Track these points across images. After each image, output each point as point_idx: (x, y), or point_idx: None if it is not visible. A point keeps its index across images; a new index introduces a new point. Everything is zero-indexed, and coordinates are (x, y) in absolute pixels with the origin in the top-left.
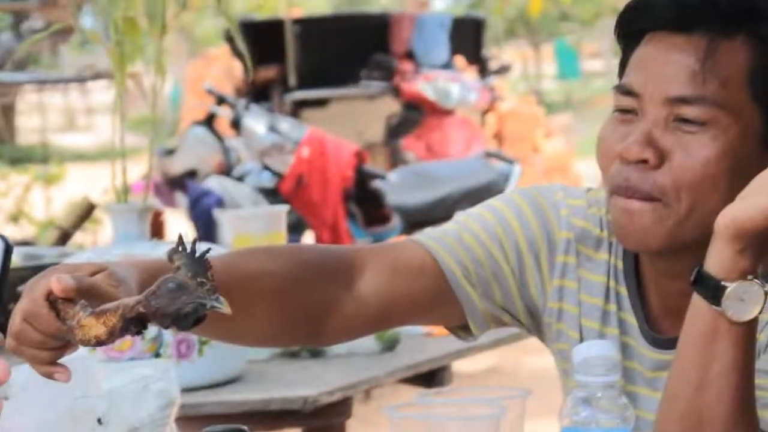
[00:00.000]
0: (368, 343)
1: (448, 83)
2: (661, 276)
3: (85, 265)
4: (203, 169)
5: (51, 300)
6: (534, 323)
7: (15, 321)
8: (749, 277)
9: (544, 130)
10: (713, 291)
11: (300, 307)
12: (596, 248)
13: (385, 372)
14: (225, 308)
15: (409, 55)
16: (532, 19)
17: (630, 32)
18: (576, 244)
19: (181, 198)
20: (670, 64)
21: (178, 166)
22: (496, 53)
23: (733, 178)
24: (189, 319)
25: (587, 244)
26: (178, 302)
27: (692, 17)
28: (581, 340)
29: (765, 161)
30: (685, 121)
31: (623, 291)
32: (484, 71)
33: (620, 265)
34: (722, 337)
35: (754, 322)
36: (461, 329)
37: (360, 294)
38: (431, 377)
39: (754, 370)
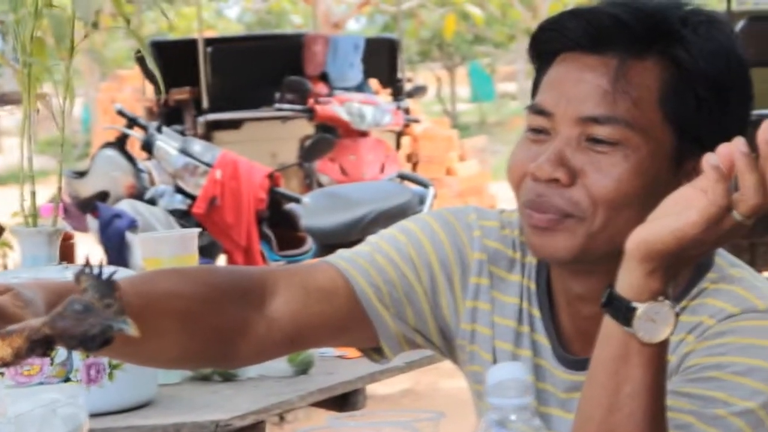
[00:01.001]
0: (281, 366)
1: (362, 105)
2: (573, 299)
3: None
4: (114, 191)
5: None
6: (447, 345)
7: None
8: (660, 298)
9: (459, 153)
10: (624, 312)
11: (211, 328)
12: (509, 270)
13: (298, 395)
14: (132, 330)
15: (323, 77)
16: (447, 41)
17: (543, 53)
18: (489, 266)
19: (91, 221)
20: (582, 84)
21: (88, 188)
22: (411, 75)
23: (645, 197)
24: (96, 341)
25: (500, 265)
26: (85, 324)
27: (604, 38)
28: (494, 361)
29: (675, 181)
30: (597, 140)
31: (536, 313)
32: (398, 93)
33: (533, 287)
34: (633, 359)
35: (665, 343)
36: (374, 351)
37: (272, 316)
38: (345, 400)
39: (665, 391)
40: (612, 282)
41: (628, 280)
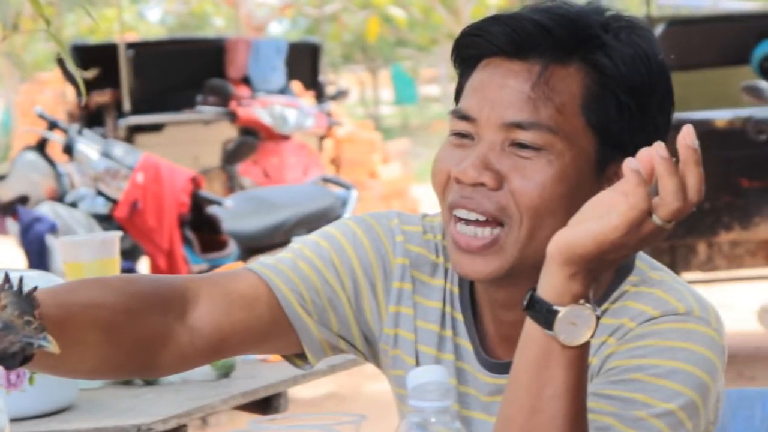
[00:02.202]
0: (203, 369)
1: (284, 109)
2: (496, 305)
3: None
4: (35, 195)
5: None
6: (370, 350)
7: None
8: (581, 301)
9: (382, 156)
10: (545, 315)
11: (133, 339)
12: (432, 274)
13: (220, 399)
14: (52, 347)
15: (246, 81)
16: (369, 44)
17: (466, 58)
18: (411, 271)
19: (12, 225)
20: (505, 89)
21: (8, 192)
22: (333, 78)
23: (569, 203)
24: (16, 359)
25: (423, 270)
26: (5, 341)
27: (527, 44)
28: (418, 365)
29: (598, 187)
30: (521, 145)
31: (459, 317)
32: (321, 96)
33: (456, 291)
34: (555, 362)
35: (586, 346)
36: (297, 357)
37: (194, 324)
38: (267, 404)
39: (586, 394)
40: (533, 286)
41: (549, 284)
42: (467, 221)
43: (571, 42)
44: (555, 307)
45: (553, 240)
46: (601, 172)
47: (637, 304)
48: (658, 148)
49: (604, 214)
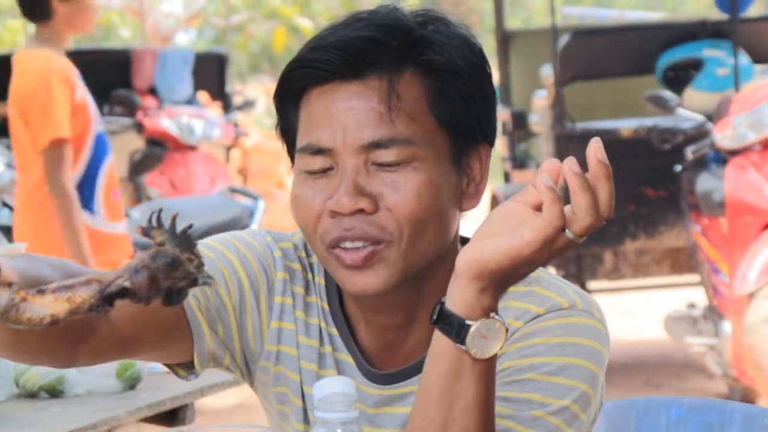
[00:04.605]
0: (109, 381)
1: (191, 119)
2: (371, 315)
3: None
4: None
5: None
6: (247, 367)
7: None
8: (491, 314)
9: (289, 166)
10: (457, 329)
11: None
12: (306, 291)
13: (126, 411)
14: (213, 282)
15: (152, 91)
16: (276, 54)
17: (292, 91)
18: (291, 286)
19: None
20: (352, 111)
21: None
22: (240, 89)
23: (442, 204)
24: (181, 295)
25: (300, 285)
26: (172, 278)
27: (362, 62)
28: (301, 382)
29: (458, 180)
30: (385, 164)
31: (334, 332)
32: (228, 107)
33: (326, 306)
34: (466, 374)
35: (495, 357)
36: (181, 367)
37: (114, 318)
38: (174, 416)
39: (494, 402)
40: (405, 294)
41: (460, 298)
42: (347, 249)
43: (401, 49)
44: (467, 322)
45: (462, 255)
46: (458, 166)
47: (518, 303)
48: (570, 163)
49: (514, 229)
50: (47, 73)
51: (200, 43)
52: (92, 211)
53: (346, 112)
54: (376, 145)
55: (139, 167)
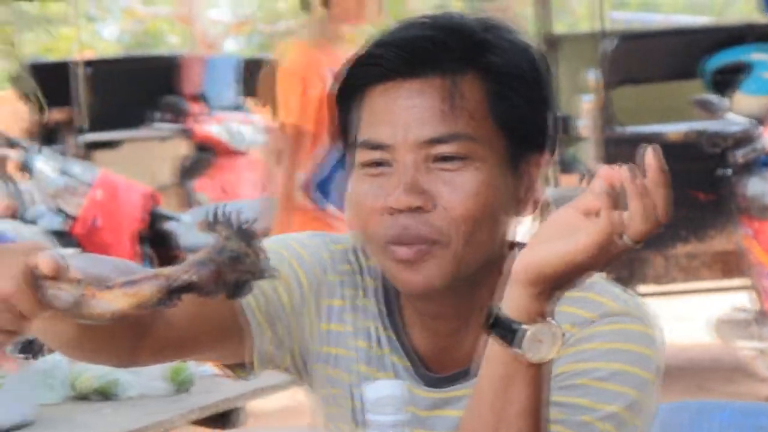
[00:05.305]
0: (161, 384)
1: (239, 125)
2: (428, 318)
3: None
4: None
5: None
6: (304, 368)
7: None
8: (546, 319)
9: None
10: (511, 334)
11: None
12: (361, 293)
13: (178, 413)
14: (277, 274)
15: (201, 97)
16: None
17: (353, 89)
18: (345, 288)
19: None
20: (414, 109)
21: None
22: None
23: (498, 207)
24: (246, 289)
25: (353, 288)
26: (236, 272)
27: (424, 61)
28: (354, 384)
29: (515, 187)
30: (444, 158)
31: (389, 334)
32: (275, 112)
33: (382, 309)
34: (520, 379)
35: (550, 362)
36: (239, 368)
37: (170, 319)
38: (225, 418)
39: (547, 408)
40: (461, 300)
41: (515, 303)
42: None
43: (463, 50)
44: (521, 326)
45: (518, 260)
46: (516, 170)
47: (571, 308)
48: (628, 169)
49: (570, 235)
50: (298, 64)
51: (247, 49)
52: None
53: (408, 110)
54: (437, 141)
55: (188, 173)
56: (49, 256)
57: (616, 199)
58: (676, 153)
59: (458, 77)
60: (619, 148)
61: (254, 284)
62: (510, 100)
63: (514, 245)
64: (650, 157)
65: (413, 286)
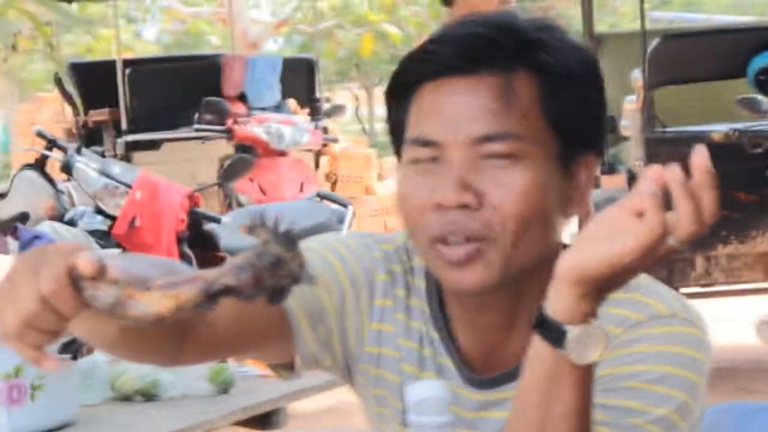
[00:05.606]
0: (202, 385)
1: (280, 125)
2: (474, 319)
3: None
4: (34, 213)
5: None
6: (348, 369)
7: (25, 304)
8: (591, 320)
9: (377, 172)
10: (556, 335)
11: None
12: (407, 293)
13: (219, 414)
14: (316, 281)
15: (242, 98)
16: (364, 60)
17: (406, 85)
18: (393, 288)
19: (11, 242)
20: (465, 106)
21: (8, 210)
22: (329, 95)
23: (547, 207)
24: (285, 293)
25: (402, 288)
26: (276, 276)
27: (478, 58)
28: (401, 384)
29: (566, 186)
30: (495, 156)
31: (435, 335)
32: (316, 113)
33: (427, 309)
34: (565, 380)
35: (594, 364)
36: (284, 368)
37: (211, 320)
38: (267, 419)
39: (592, 409)
40: (508, 294)
41: (560, 304)
42: (449, 245)
43: (516, 49)
44: (566, 327)
45: (563, 260)
46: (566, 170)
47: (618, 309)
48: (675, 170)
49: (617, 236)
50: None
51: (288, 49)
52: None
53: (459, 107)
54: (488, 138)
55: (229, 174)
56: (88, 257)
57: (664, 200)
58: (718, 153)
59: (511, 75)
60: (662, 148)
61: (294, 288)
62: (562, 100)
63: (564, 246)
64: (698, 158)
65: (461, 287)
